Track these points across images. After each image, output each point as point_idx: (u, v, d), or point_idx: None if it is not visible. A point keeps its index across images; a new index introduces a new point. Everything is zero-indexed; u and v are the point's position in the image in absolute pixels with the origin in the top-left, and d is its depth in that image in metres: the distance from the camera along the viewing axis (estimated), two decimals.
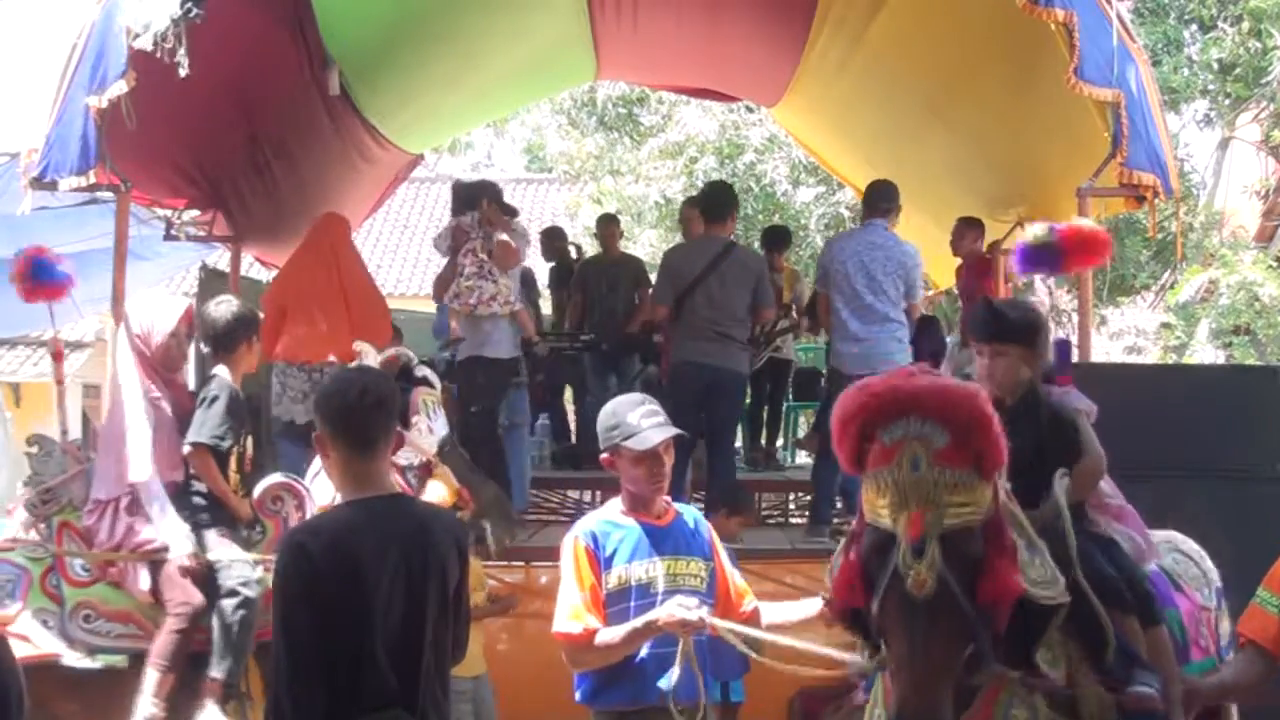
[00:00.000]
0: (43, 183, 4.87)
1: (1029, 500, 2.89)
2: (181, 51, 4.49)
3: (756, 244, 9.19)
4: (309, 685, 2.54)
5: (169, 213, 6.82)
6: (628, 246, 11.59)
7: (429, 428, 4.18)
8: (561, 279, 9.07)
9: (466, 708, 4.65)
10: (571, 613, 3.18)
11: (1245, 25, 10.57)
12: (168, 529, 4.04)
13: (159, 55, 4.50)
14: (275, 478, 4.35)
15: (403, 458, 4.03)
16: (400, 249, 20.49)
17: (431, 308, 7.64)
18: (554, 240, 9.59)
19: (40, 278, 4.51)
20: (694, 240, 6.82)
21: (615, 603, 3.19)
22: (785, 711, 5.08)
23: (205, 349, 4.43)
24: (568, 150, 15.53)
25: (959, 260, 7.40)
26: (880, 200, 6.28)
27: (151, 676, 3.82)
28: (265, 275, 9.12)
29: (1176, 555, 3.63)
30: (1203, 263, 10.93)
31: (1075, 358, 5.91)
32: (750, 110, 12.59)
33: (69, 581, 4.01)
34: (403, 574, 2.62)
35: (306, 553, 2.61)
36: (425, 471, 4.11)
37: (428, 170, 19.76)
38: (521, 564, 5.70)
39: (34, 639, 3.87)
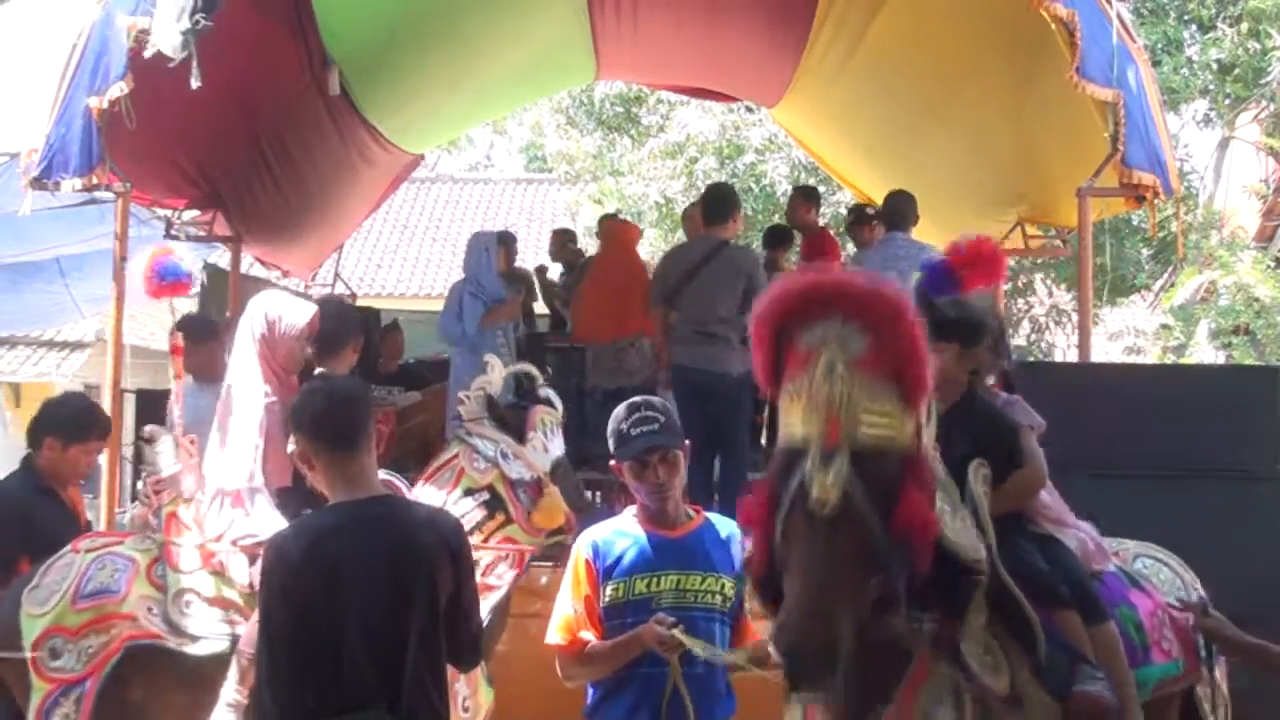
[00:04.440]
0: (43, 183, 4.88)
1: None
2: (194, 65, 4.49)
3: (757, 245, 9.18)
4: (289, 682, 2.61)
5: (169, 213, 6.82)
6: None
7: (544, 445, 4.09)
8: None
9: None
10: (562, 624, 3.13)
11: (1245, 26, 10.57)
12: (266, 523, 4.03)
13: (169, 66, 4.50)
14: (379, 474, 4.35)
15: (514, 471, 3.98)
16: (400, 249, 20.45)
17: (431, 307, 7.63)
18: (563, 239, 9.57)
19: (165, 276, 4.52)
20: (688, 241, 6.79)
21: (613, 616, 3.07)
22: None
23: (309, 349, 4.39)
24: (567, 150, 15.50)
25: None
26: (901, 213, 6.31)
27: (238, 663, 3.81)
28: (267, 275, 9.09)
29: (1146, 560, 3.53)
30: (1201, 263, 10.92)
31: (1076, 358, 5.92)
32: (750, 110, 12.57)
33: (174, 569, 4.04)
34: (386, 576, 2.66)
35: (285, 554, 2.69)
36: (536, 490, 4.02)
37: (428, 170, 19.78)
38: None
39: (140, 620, 3.94)
